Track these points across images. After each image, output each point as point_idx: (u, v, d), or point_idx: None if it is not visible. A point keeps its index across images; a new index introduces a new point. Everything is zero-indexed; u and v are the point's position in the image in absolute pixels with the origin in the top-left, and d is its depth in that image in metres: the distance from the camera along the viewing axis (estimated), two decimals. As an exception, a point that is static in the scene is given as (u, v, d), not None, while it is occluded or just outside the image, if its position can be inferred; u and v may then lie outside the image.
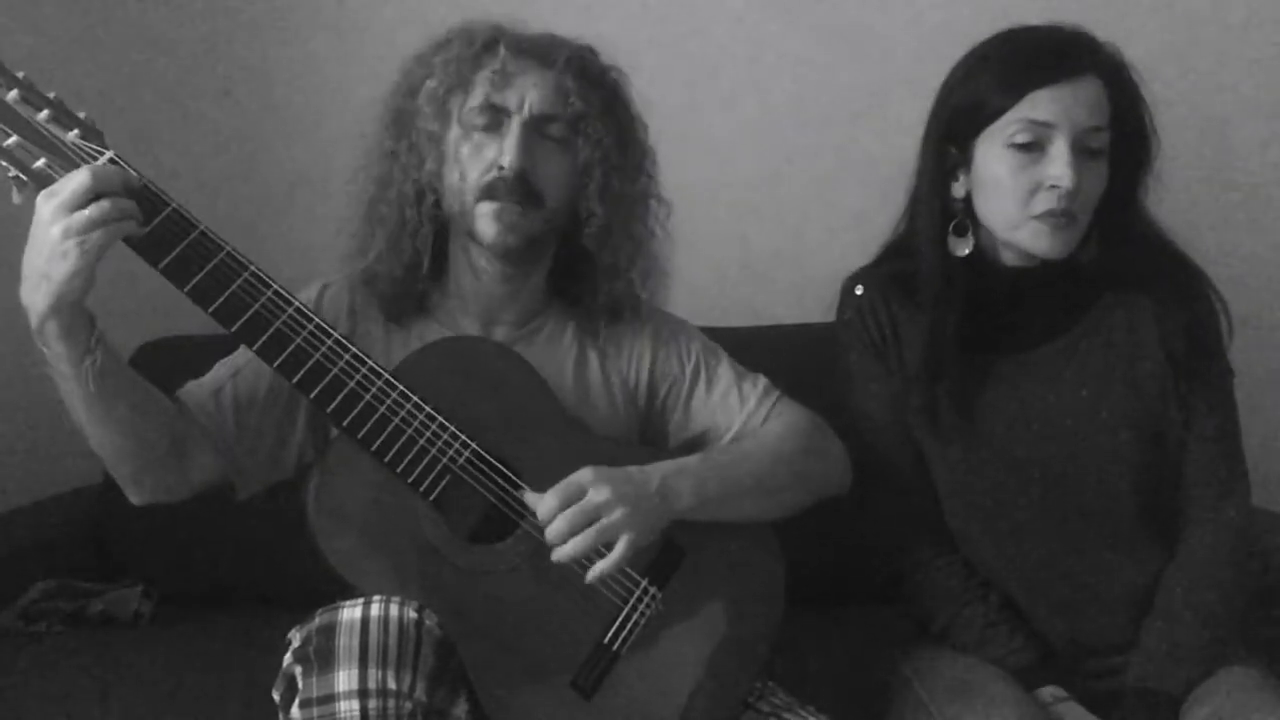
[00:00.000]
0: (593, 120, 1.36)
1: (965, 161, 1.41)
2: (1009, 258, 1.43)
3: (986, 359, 1.44)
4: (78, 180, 1.10)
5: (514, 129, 1.33)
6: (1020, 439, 1.42)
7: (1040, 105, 1.34)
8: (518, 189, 1.32)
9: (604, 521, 1.22)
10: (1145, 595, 1.43)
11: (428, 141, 1.36)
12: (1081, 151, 1.34)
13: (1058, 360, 1.43)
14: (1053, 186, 1.33)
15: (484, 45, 1.36)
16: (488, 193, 1.33)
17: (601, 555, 1.23)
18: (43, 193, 1.11)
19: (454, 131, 1.36)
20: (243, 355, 1.35)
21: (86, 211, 1.09)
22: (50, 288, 1.10)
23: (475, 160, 1.34)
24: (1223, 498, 1.43)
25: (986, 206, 1.40)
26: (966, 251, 1.42)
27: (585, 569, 1.24)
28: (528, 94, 1.34)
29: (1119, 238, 1.42)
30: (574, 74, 1.35)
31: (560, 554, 1.23)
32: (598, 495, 1.23)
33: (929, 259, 1.42)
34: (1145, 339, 1.42)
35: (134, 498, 1.31)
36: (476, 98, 1.34)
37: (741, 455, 1.38)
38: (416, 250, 1.37)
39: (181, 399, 1.32)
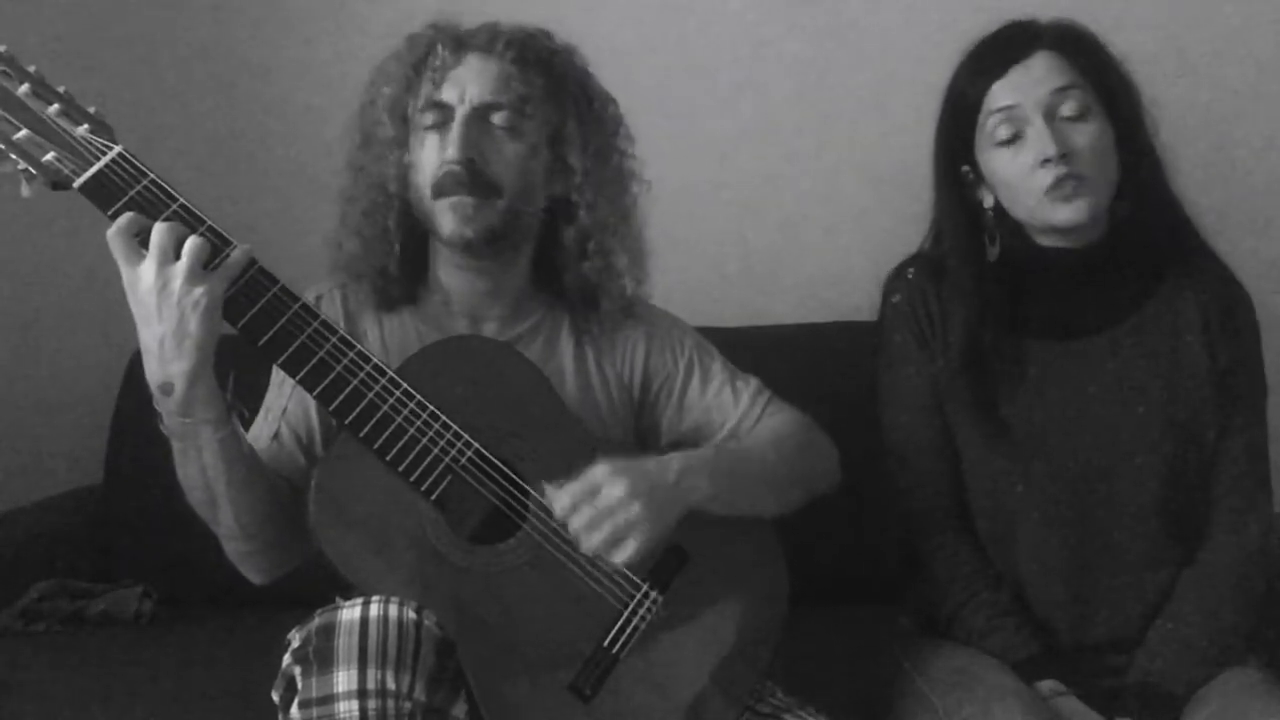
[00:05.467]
0: (539, 102, 1.35)
1: (980, 174, 1.45)
2: (1043, 239, 1.45)
3: (1031, 345, 1.46)
4: (157, 236, 1.12)
5: (456, 121, 1.33)
6: (1057, 427, 1.44)
7: (1000, 95, 1.40)
8: (468, 180, 1.31)
9: (619, 518, 1.21)
10: (1157, 598, 1.44)
11: (387, 148, 1.37)
12: (1059, 119, 1.38)
13: (1102, 353, 1.45)
14: (1045, 161, 1.37)
15: (426, 45, 1.37)
16: (439, 189, 1.33)
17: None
18: (131, 269, 1.12)
19: (412, 135, 1.36)
20: (279, 396, 1.36)
21: (186, 254, 1.12)
22: (191, 343, 1.12)
23: (428, 159, 1.34)
24: (1248, 511, 1.44)
25: (1009, 205, 1.44)
26: (995, 256, 1.46)
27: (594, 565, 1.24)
28: (467, 86, 1.33)
29: (1144, 201, 1.44)
30: (513, 59, 1.34)
31: (585, 549, 1.21)
32: (613, 491, 1.21)
33: (962, 273, 1.46)
34: (1190, 346, 1.44)
35: (263, 571, 1.30)
36: (421, 98, 1.35)
37: (748, 450, 1.38)
38: (386, 252, 1.38)
39: None
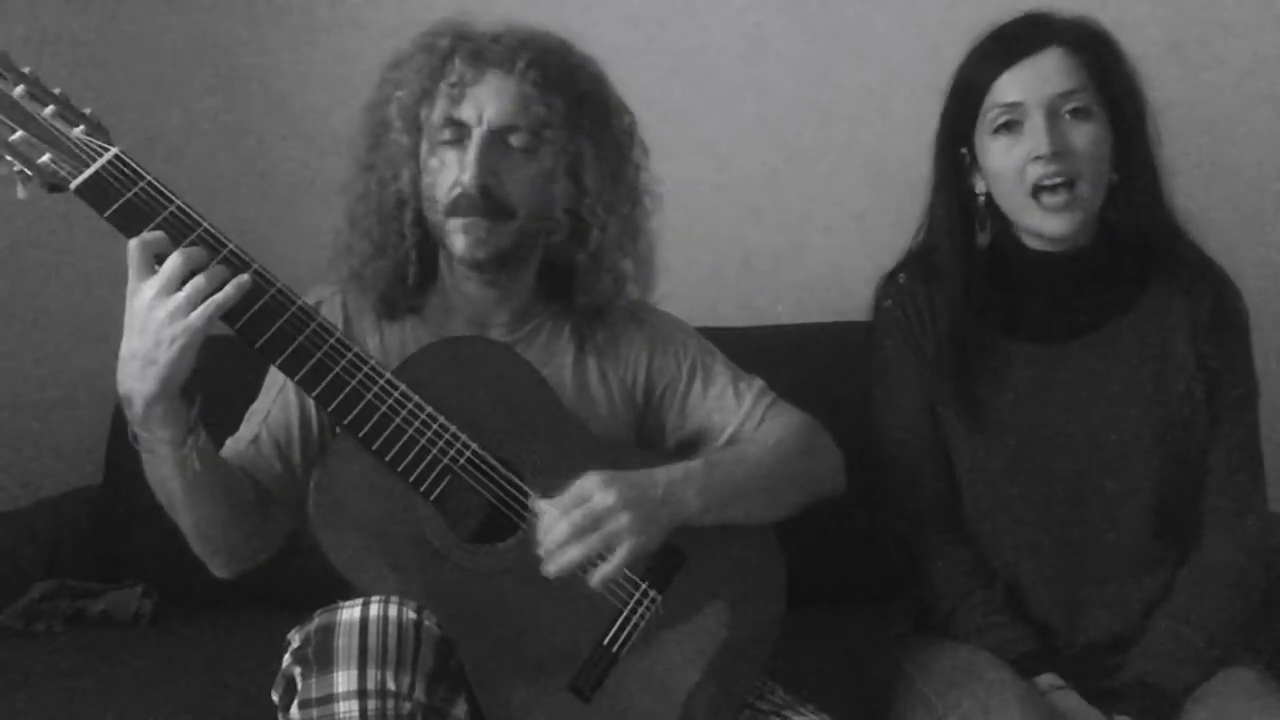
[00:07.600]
0: (558, 125, 1.34)
1: (977, 160, 1.45)
2: (1030, 241, 1.45)
3: (1021, 347, 1.46)
4: (172, 261, 1.12)
5: (473, 143, 1.31)
6: (1048, 429, 1.44)
7: (1006, 88, 1.39)
8: (482, 204, 1.30)
9: (608, 527, 1.22)
10: (1153, 598, 1.44)
11: (401, 154, 1.35)
12: (1060, 118, 1.38)
13: (1092, 354, 1.45)
14: (1037, 158, 1.37)
15: (444, 55, 1.34)
16: (453, 209, 1.32)
17: (602, 561, 1.23)
18: (137, 281, 1.12)
19: (425, 144, 1.35)
20: (264, 400, 1.37)
21: (186, 290, 1.11)
22: (156, 372, 1.12)
23: (442, 176, 1.33)
24: (1242, 511, 1.44)
25: (999, 197, 1.44)
26: (986, 243, 1.46)
27: (585, 574, 1.23)
28: (486, 106, 1.31)
29: (1141, 211, 1.43)
30: (534, 80, 1.32)
31: (558, 561, 1.21)
32: (603, 500, 1.22)
33: (949, 257, 1.46)
34: (1180, 346, 1.44)
35: (223, 570, 1.31)
36: (438, 112, 1.33)
37: (743, 458, 1.37)
38: (402, 259, 1.37)
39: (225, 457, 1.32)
